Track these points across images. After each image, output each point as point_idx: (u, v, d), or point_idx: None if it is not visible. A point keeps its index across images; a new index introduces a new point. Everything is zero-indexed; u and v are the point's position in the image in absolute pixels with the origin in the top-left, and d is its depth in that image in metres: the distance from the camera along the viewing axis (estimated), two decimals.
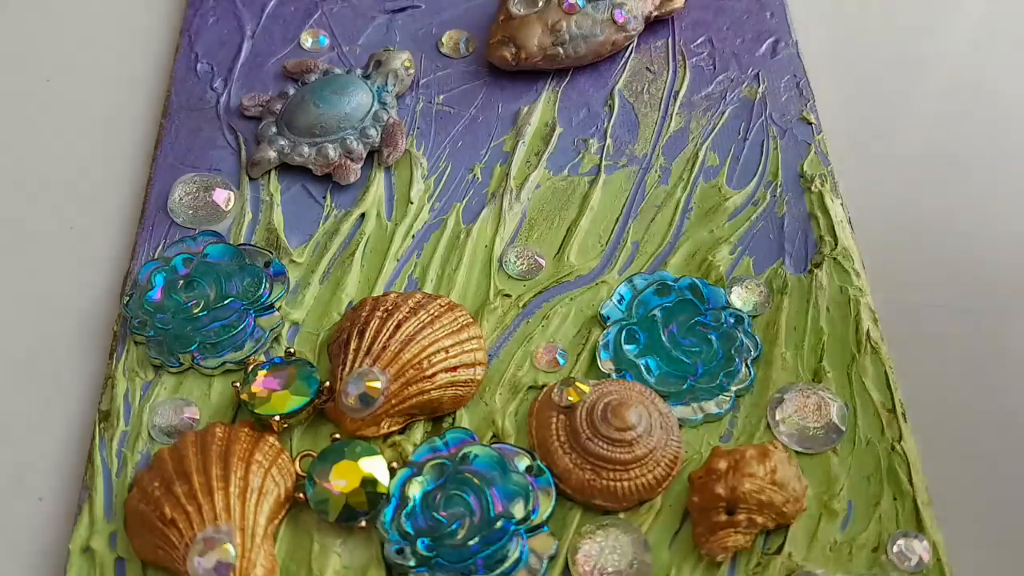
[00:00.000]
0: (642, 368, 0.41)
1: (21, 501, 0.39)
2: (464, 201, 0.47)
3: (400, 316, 0.41)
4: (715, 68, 0.52)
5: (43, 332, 0.44)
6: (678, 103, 0.50)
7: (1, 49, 0.54)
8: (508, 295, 0.44)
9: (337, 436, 0.38)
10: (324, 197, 0.47)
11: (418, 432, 0.40)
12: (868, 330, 0.42)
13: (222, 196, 0.46)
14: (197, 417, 0.40)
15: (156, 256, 0.44)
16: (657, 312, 0.42)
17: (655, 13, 0.52)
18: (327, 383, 0.40)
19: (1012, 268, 0.45)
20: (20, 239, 0.46)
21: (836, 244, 0.45)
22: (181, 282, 0.42)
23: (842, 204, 0.46)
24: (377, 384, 0.39)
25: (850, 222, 0.46)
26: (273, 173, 0.47)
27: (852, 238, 0.45)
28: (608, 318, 0.42)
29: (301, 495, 0.37)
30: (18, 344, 0.43)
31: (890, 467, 0.39)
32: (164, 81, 0.52)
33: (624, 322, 0.42)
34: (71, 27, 0.55)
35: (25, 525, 0.38)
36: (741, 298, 0.43)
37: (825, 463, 0.39)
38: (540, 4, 0.51)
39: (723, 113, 0.50)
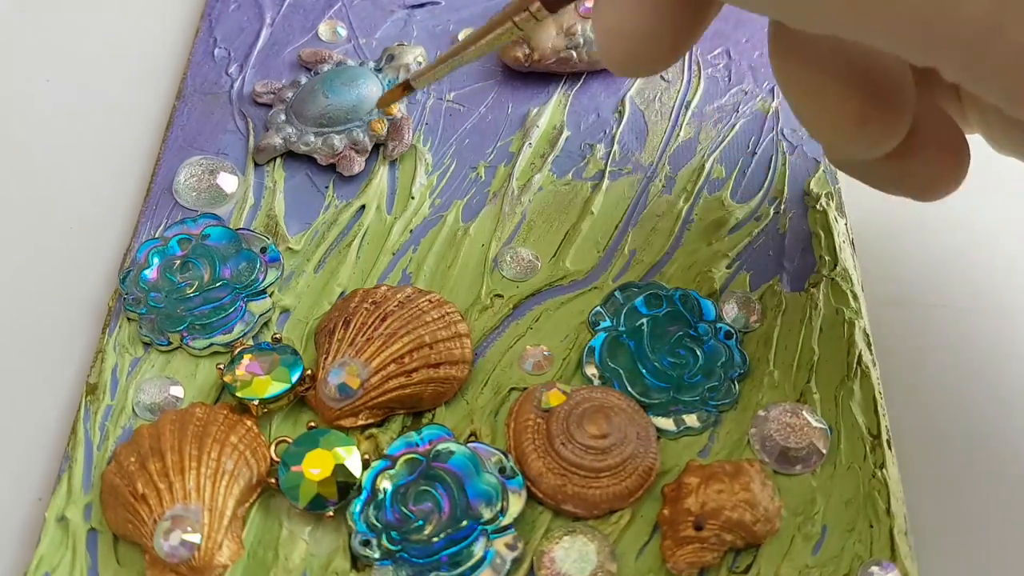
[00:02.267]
0: (625, 377, 0.40)
1: (1, 468, 0.40)
2: (465, 199, 0.47)
3: (387, 309, 0.41)
4: (730, 80, 0.51)
5: (45, 303, 0.44)
6: (689, 113, 0.50)
7: (22, 25, 0.55)
8: (500, 295, 0.44)
9: (313, 424, 0.39)
10: (327, 187, 0.47)
11: (396, 426, 0.40)
12: (860, 353, 0.42)
13: (226, 180, 0.46)
14: (181, 396, 0.40)
15: (156, 235, 0.45)
16: (646, 321, 0.42)
17: None
18: (310, 371, 0.40)
19: (1017, 306, 0.44)
20: (27, 214, 0.47)
21: (836, 264, 0.44)
22: (177, 262, 0.43)
23: (846, 224, 0.46)
24: (357, 375, 0.39)
25: (853, 243, 0.45)
26: (279, 160, 0.48)
27: (853, 260, 0.45)
28: (597, 324, 0.42)
29: (273, 480, 0.37)
30: (19, 315, 0.44)
31: (869, 493, 0.38)
32: (182, 64, 0.53)
33: (612, 330, 0.42)
34: (96, 7, 0.56)
35: (4, 491, 0.39)
36: (733, 313, 0.43)
37: (804, 485, 0.38)
38: None
39: (734, 126, 0.49)
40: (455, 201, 0.47)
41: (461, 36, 0.53)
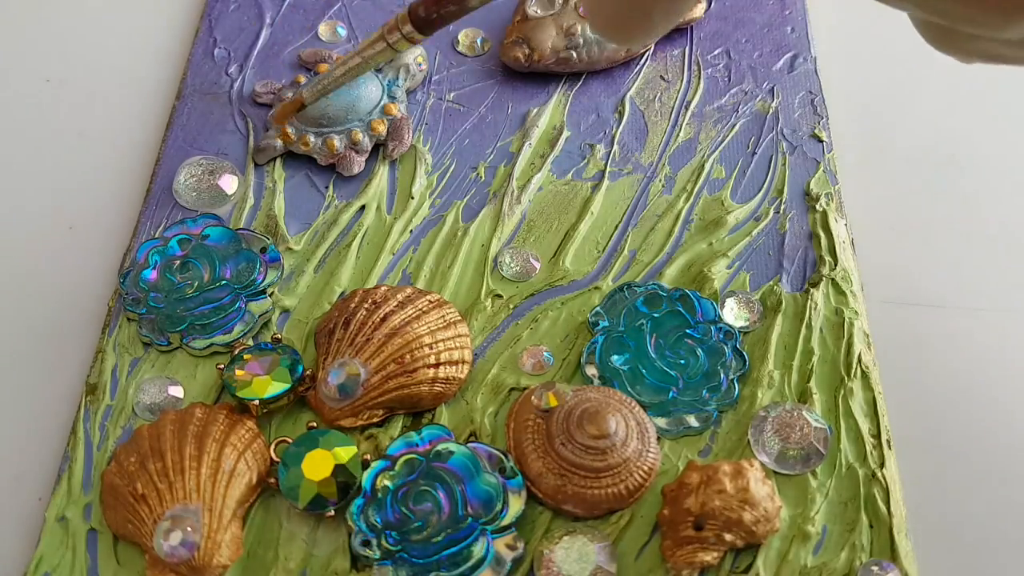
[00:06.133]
0: (625, 377, 0.40)
1: (2, 468, 0.40)
2: (465, 199, 0.47)
3: (388, 309, 0.41)
4: (730, 80, 0.51)
5: (45, 303, 0.44)
6: (689, 113, 0.50)
7: (22, 25, 0.55)
8: (500, 295, 0.44)
9: (314, 424, 0.39)
10: (327, 187, 0.47)
11: (397, 426, 0.40)
12: (860, 354, 0.42)
13: (226, 180, 0.46)
14: (181, 396, 0.40)
15: (156, 235, 0.45)
16: (645, 322, 0.42)
17: None
18: (310, 371, 0.40)
19: (1017, 306, 0.44)
20: (27, 214, 0.47)
21: (836, 265, 0.44)
22: (177, 262, 0.43)
23: (846, 225, 0.46)
24: (357, 375, 0.39)
25: (852, 244, 0.45)
26: (279, 160, 0.48)
27: (853, 260, 0.45)
28: (597, 324, 0.42)
29: (273, 480, 0.37)
30: (20, 315, 0.44)
31: (869, 494, 0.38)
32: (182, 64, 0.53)
33: (612, 330, 0.42)
34: (96, 7, 0.56)
35: (4, 491, 0.39)
36: (733, 313, 0.43)
37: (803, 485, 0.38)
38: (557, 7, 0.51)
39: (734, 126, 0.49)
40: (455, 201, 0.47)
41: (461, 37, 0.53)
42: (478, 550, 0.36)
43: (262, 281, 0.43)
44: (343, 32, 0.53)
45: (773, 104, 0.50)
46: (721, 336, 0.42)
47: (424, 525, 0.36)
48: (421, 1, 0.40)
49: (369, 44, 0.43)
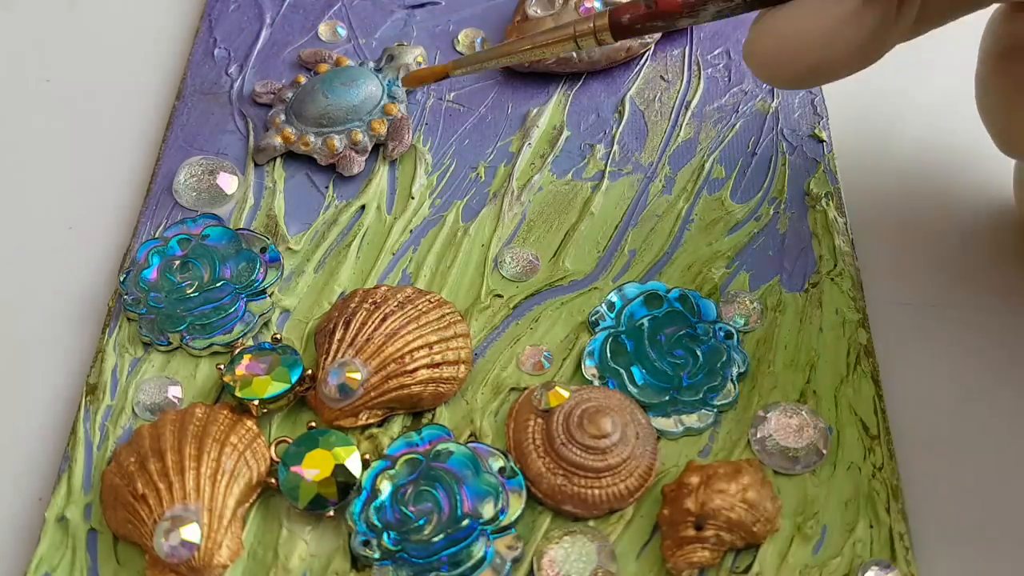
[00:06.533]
0: (625, 377, 0.40)
1: (1, 468, 0.40)
2: (465, 199, 0.47)
3: (387, 309, 0.41)
4: (730, 80, 0.51)
5: (45, 303, 0.44)
6: (689, 113, 0.50)
7: (22, 25, 0.55)
8: (500, 295, 0.44)
9: (313, 424, 0.39)
10: (327, 187, 0.47)
11: (396, 426, 0.40)
12: (860, 353, 0.42)
13: (226, 180, 0.46)
14: (181, 396, 0.40)
15: (156, 235, 0.45)
16: (645, 322, 0.42)
17: None
18: (310, 371, 0.40)
19: (1016, 306, 0.44)
20: (27, 214, 0.47)
21: (836, 264, 0.44)
22: (177, 262, 0.43)
23: (846, 224, 0.46)
24: (357, 375, 0.39)
25: (852, 243, 0.45)
26: (279, 160, 0.48)
27: (853, 259, 0.45)
28: (597, 324, 0.42)
29: (273, 480, 0.37)
30: (20, 315, 0.44)
31: (869, 494, 0.38)
32: (182, 64, 0.53)
33: (612, 330, 0.42)
34: (96, 7, 0.56)
35: (4, 491, 0.39)
36: (733, 313, 0.43)
37: (803, 485, 0.38)
38: (557, 7, 0.51)
39: (734, 126, 0.49)
40: (455, 201, 0.47)
41: (461, 37, 0.53)
42: (478, 550, 0.36)
43: (262, 281, 0.43)
44: (343, 32, 0.53)
45: (773, 104, 0.50)
46: (721, 336, 0.42)
47: (424, 525, 0.36)
48: (627, 9, 0.38)
49: (549, 32, 0.40)
